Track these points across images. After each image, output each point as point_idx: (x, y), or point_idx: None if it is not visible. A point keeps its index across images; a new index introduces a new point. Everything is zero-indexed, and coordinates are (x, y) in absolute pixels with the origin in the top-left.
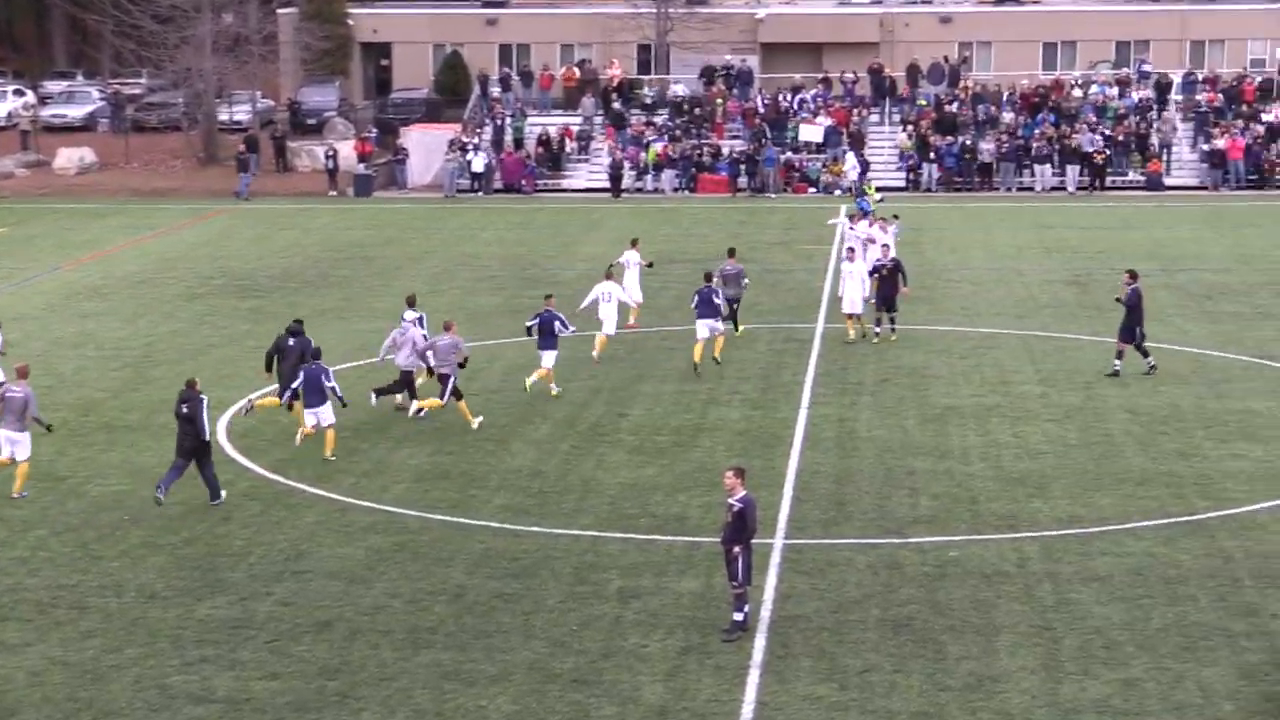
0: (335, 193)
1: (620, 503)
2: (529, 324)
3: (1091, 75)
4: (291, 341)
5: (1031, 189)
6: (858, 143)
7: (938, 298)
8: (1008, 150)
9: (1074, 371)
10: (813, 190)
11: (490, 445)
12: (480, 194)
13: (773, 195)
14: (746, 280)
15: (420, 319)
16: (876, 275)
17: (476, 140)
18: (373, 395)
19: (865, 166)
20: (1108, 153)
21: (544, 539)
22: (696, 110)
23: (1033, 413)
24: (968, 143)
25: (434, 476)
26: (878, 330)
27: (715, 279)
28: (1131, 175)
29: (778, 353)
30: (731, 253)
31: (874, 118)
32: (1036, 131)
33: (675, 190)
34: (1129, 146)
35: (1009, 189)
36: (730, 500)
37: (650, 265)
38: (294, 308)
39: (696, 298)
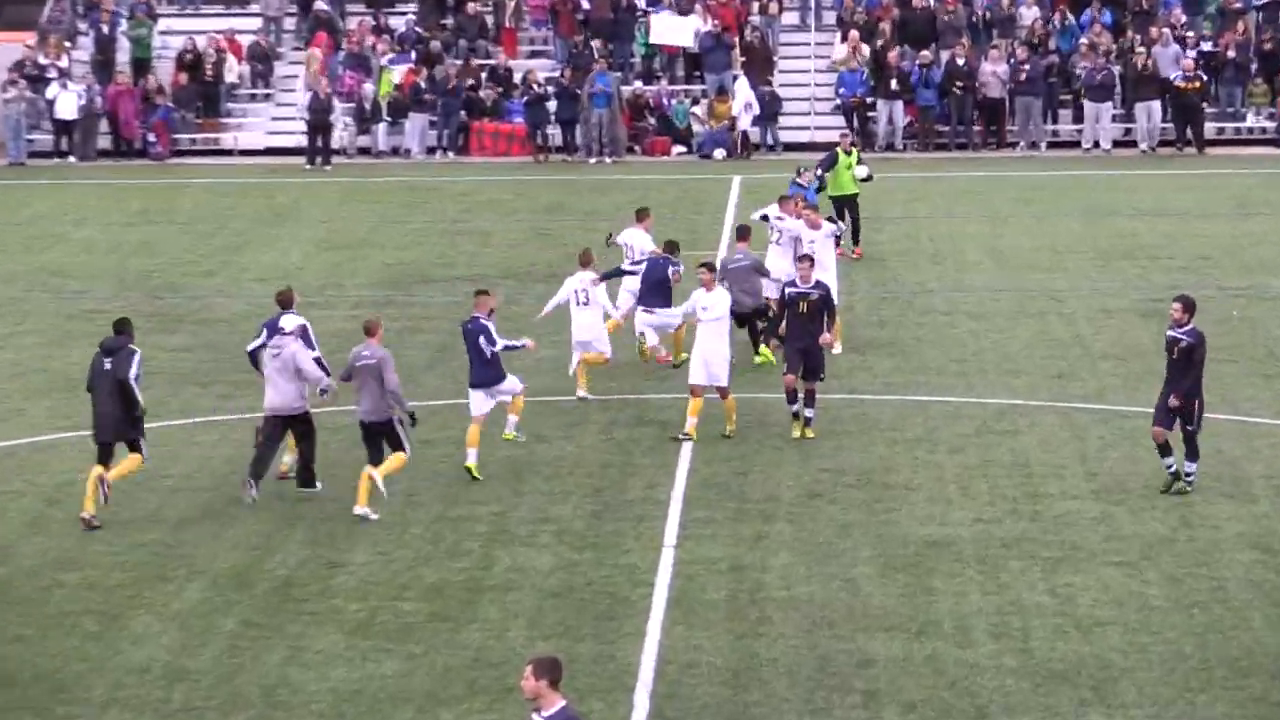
0: None
1: None
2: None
3: None
4: (108, 364)
5: (1074, 145)
6: (758, 63)
7: (909, 343)
8: (1030, 77)
9: (1156, 473)
10: (680, 149)
11: (98, 620)
12: (73, 159)
13: (608, 159)
14: (769, 280)
15: (304, 328)
16: (789, 309)
17: (63, 63)
18: (251, 485)
19: (765, 106)
20: (1206, 82)
21: None
22: (470, 6)
23: (1085, 550)
24: (959, 63)
25: None
26: (795, 410)
27: (718, 276)
28: (1251, 120)
29: (622, 445)
30: (743, 234)
31: (790, 17)
32: (1082, 43)
33: (431, 152)
34: (1245, 71)
35: (1033, 145)
36: (535, 719)
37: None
38: None
39: (642, 270)
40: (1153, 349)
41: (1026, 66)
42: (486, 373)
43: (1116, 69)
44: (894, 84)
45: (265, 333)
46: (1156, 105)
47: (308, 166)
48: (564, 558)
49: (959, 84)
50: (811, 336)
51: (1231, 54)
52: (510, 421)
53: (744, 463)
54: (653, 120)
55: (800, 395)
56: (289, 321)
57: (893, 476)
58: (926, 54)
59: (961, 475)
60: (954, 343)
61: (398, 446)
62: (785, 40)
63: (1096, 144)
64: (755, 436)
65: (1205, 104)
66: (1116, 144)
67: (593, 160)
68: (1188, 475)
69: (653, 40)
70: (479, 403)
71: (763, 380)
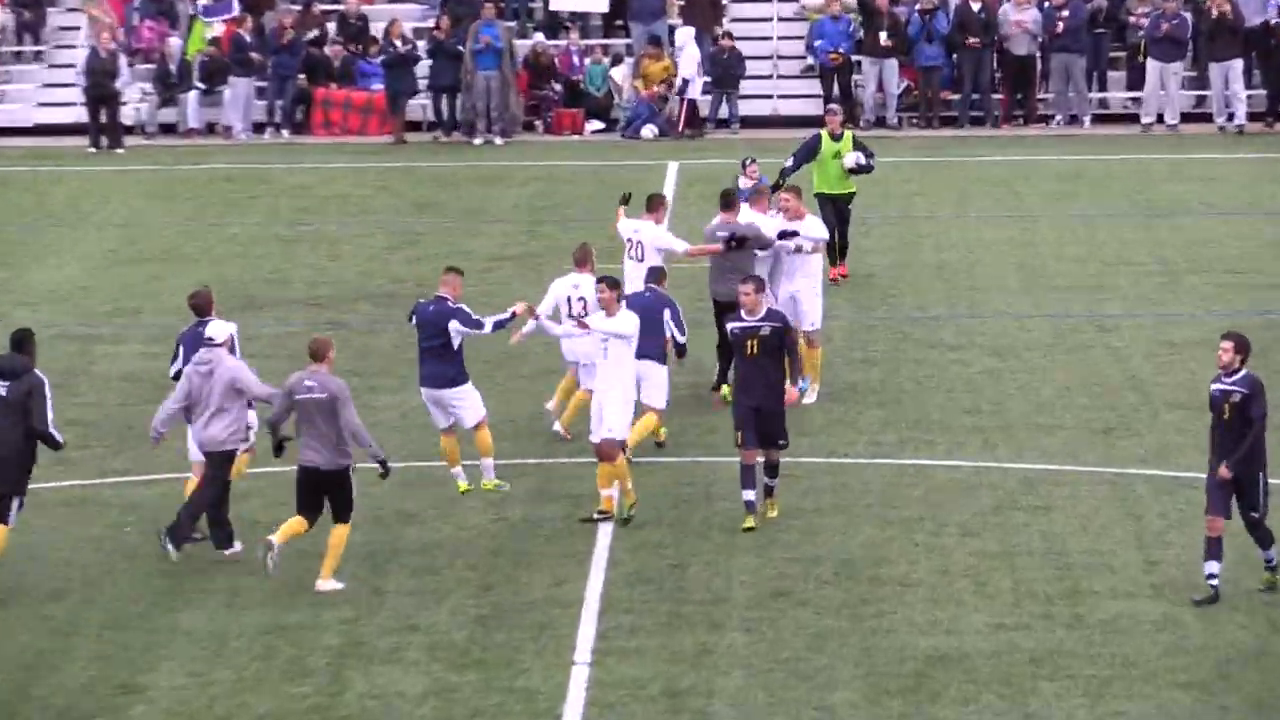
0: None
1: None
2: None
3: None
4: (3, 389)
5: (1130, 119)
6: (701, 8)
7: (907, 388)
8: (1070, 27)
9: (1238, 564)
10: (596, 125)
11: None
12: None
13: (498, 139)
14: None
15: (231, 339)
16: (738, 348)
17: None
18: (168, 542)
19: (718, 67)
20: None
21: None
22: None
23: (1142, 668)
24: (974, 8)
25: None
26: (748, 499)
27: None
28: None
29: (519, 527)
30: (728, 202)
31: None
32: None
33: (259, 130)
34: None
35: (1073, 119)
36: None
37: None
38: None
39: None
40: None
41: (1065, 13)
42: (442, 370)
43: (1188, 15)
44: (885, 37)
45: (184, 348)
46: (1239, 65)
47: (91, 150)
48: (440, 680)
49: (973, 37)
50: (767, 388)
51: None
52: (486, 467)
53: (683, 550)
54: (559, 86)
55: (758, 465)
56: (217, 330)
57: (885, 568)
58: None
59: (977, 566)
60: (967, 388)
61: (343, 508)
62: None
63: (1160, 118)
64: (699, 514)
65: None
66: (1187, 118)
67: (477, 140)
68: (1269, 563)
69: (554, 6)
70: (436, 412)
71: (708, 439)
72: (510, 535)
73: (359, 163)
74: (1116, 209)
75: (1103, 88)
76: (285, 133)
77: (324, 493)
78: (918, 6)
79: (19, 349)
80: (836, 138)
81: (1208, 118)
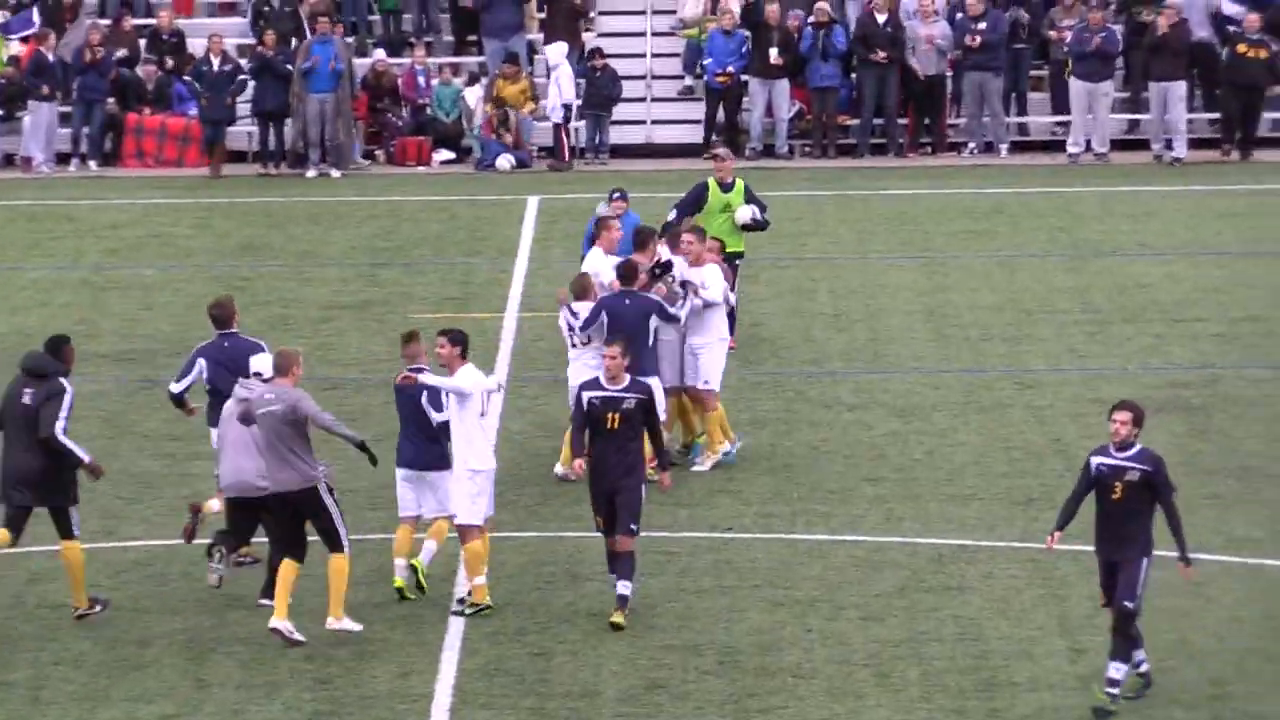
0: None
1: None
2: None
3: None
4: (27, 396)
5: (1054, 147)
6: (564, 20)
7: (800, 453)
8: (987, 41)
9: (1198, 654)
10: (444, 155)
11: None
12: None
13: (334, 171)
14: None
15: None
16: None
17: None
18: (216, 568)
19: (593, 87)
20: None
21: None
22: None
23: None
24: (878, 20)
25: None
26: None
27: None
28: None
29: (357, 611)
30: (641, 241)
31: None
32: None
33: (63, 161)
34: None
35: (989, 147)
36: None
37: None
38: None
39: (600, 317)
40: (1176, 458)
41: (982, 25)
42: (424, 450)
43: (1117, 29)
44: (775, 54)
45: (205, 364)
46: (1182, 87)
47: None
48: None
49: (876, 52)
50: (624, 469)
51: None
52: (427, 551)
53: (546, 637)
54: (404, 111)
55: (610, 557)
56: (259, 364)
57: (774, 657)
58: (824, 6)
59: (879, 655)
60: (869, 452)
61: (332, 534)
62: None
63: (1089, 145)
64: (563, 596)
65: (1274, 83)
66: (1119, 145)
67: (310, 173)
68: (1109, 688)
69: None
70: (407, 496)
71: (573, 509)
72: (351, 619)
73: (176, 198)
74: (1038, 249)
75: (1022, 111)
76: (93, 164)
77: (293, 513)
78: (811, 19)
79: (54, 353)
80: (726, 187)
81: (1143, 145)
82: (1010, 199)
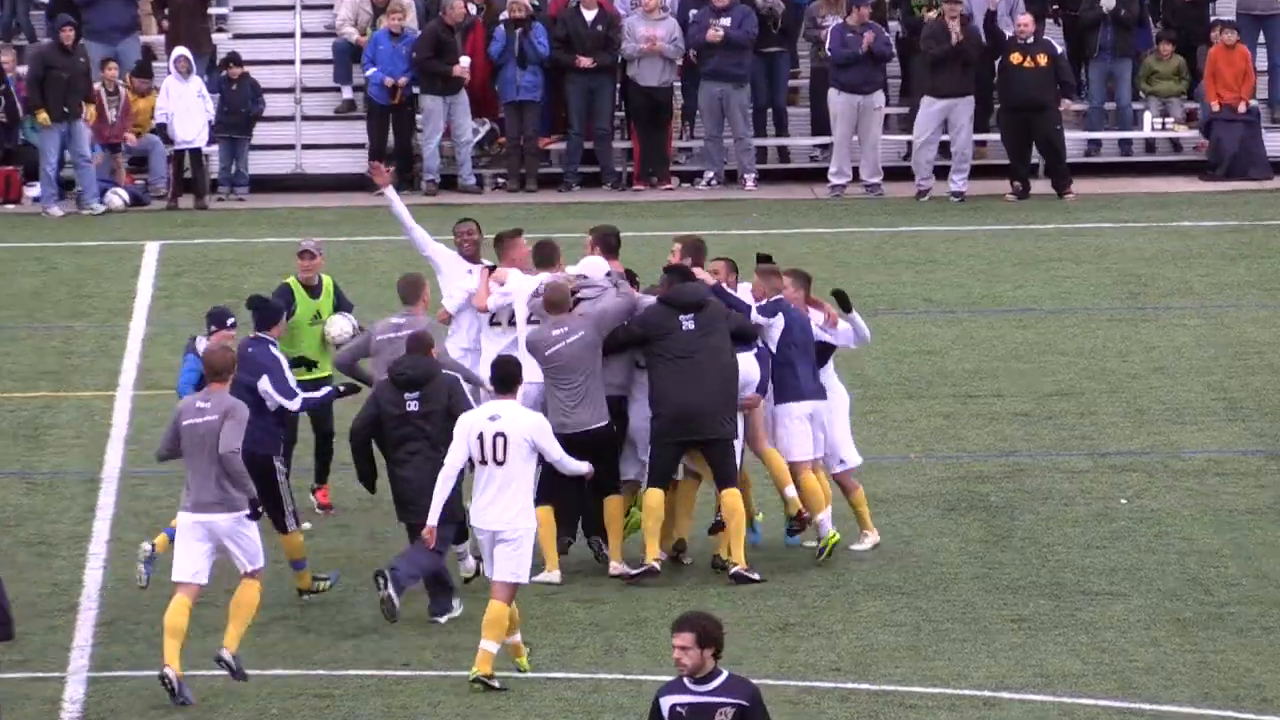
0: None
1: None
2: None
3: None
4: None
5: (812, 177)
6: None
7: None
8: (730, 38)
9: None
10: (38, 190)
11: None
12: None
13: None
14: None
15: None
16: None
17: None
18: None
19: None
20: (1057, 55)
21: None
22: None
23: None
24: (586, 16)
25: None
26: None
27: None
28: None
29: None
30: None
31: None
32: None
33: None
34: (1128, 32)
35: (731, 178)
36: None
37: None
38: None
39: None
40: (972, 571)
41: (725, 21)
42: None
43: (895, 28)
44: (465, 62)
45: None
46: (968, 104)
47: None
48: None
49: (583, 59)
50: None
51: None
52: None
53: None
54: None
55: None
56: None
57: None
58: None
59: None
60: None
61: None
62: None
63: (856, 175)
64: None
65: (1065, 96)
66: (895, 174)
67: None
68: None
69: None
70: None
71: None
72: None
73: None
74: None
75: (775, 130)
76: None
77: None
78: (504, 16)
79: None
80: (313, 292)
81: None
82: (758, 241)
